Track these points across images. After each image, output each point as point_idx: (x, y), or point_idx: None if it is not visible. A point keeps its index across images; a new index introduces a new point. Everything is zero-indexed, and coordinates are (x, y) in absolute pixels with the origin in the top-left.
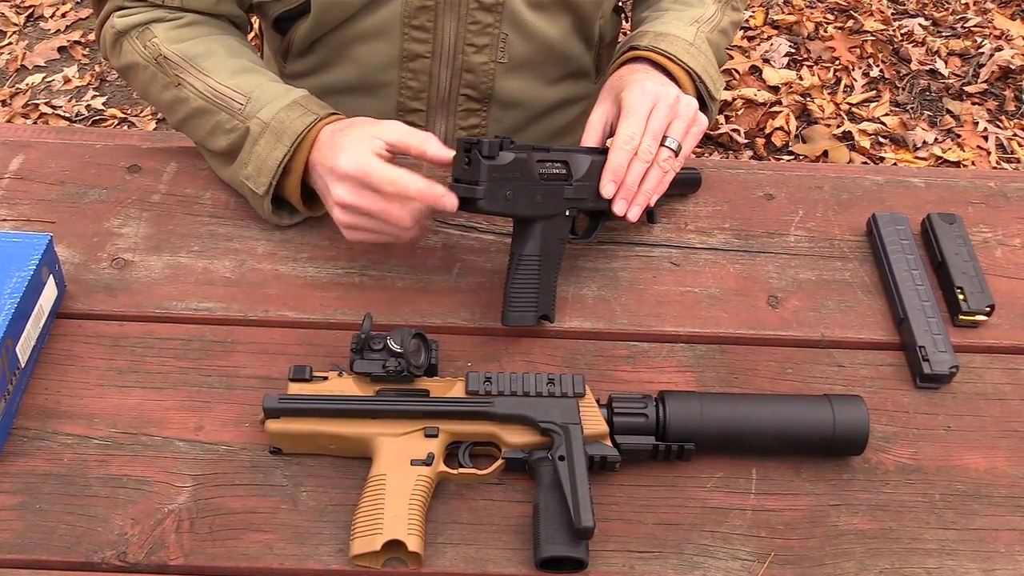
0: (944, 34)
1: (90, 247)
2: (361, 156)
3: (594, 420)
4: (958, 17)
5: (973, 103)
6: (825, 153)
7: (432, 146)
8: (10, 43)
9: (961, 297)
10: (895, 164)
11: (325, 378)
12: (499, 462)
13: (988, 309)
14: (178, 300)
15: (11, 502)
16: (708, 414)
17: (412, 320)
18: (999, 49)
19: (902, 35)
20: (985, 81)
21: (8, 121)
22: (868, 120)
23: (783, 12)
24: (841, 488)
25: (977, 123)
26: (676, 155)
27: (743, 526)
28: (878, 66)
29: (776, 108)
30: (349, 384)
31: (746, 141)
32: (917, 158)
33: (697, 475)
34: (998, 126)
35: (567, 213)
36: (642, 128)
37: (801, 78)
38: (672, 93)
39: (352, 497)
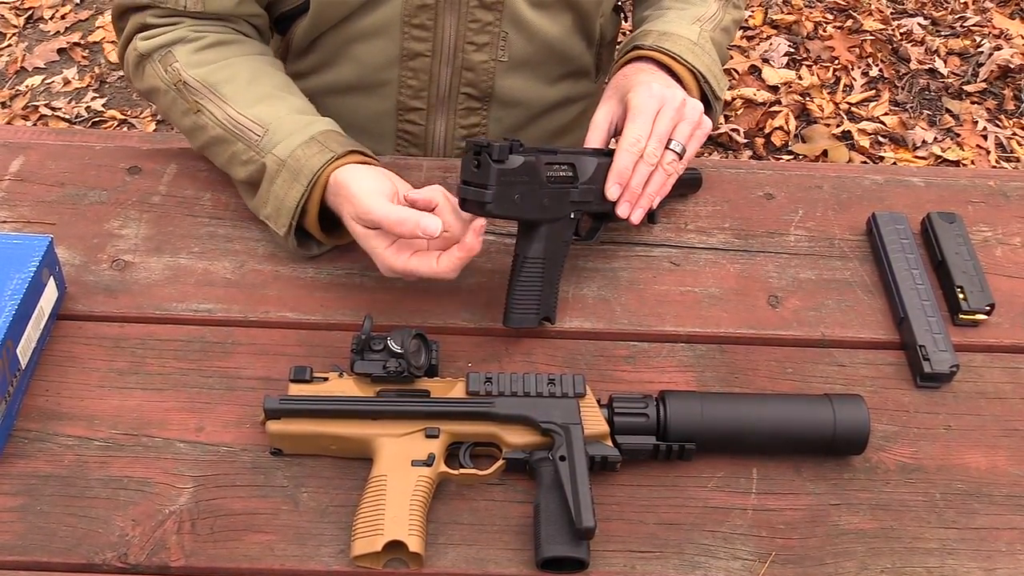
0: (943, 33)
1: (90, 248)
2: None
3: (595, 420)
4: (957, 16)
5: (972, 102)
6: (825, 153)
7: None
8: (10, 45)
9: (961, 296)
10: (895, 163)
11: (326, 379)
12: (500, 462)
13: (988, 308)
14: (178, 301)
15: (12, 504)
16: (709, 414)
17: (412, 321)
18: (998, 48)
19: (901, 34)
20: (984, 80)
21: (8, 123)
22: (867, 119)
23: (782, 12)
24: (842, 487)
25: (976, 122)
26: (680, 158)
27: (744, 526)
28: (877, 65)
29: (775, 108)
30: (350, 385)
31: (745, 141)
32: (917, 157)
33: (698, 475)
34: (997, 125)
35: (572, 215)
36: (648, 131)
37: (800, 78)
38: (678, 96)
39: (353, 498)
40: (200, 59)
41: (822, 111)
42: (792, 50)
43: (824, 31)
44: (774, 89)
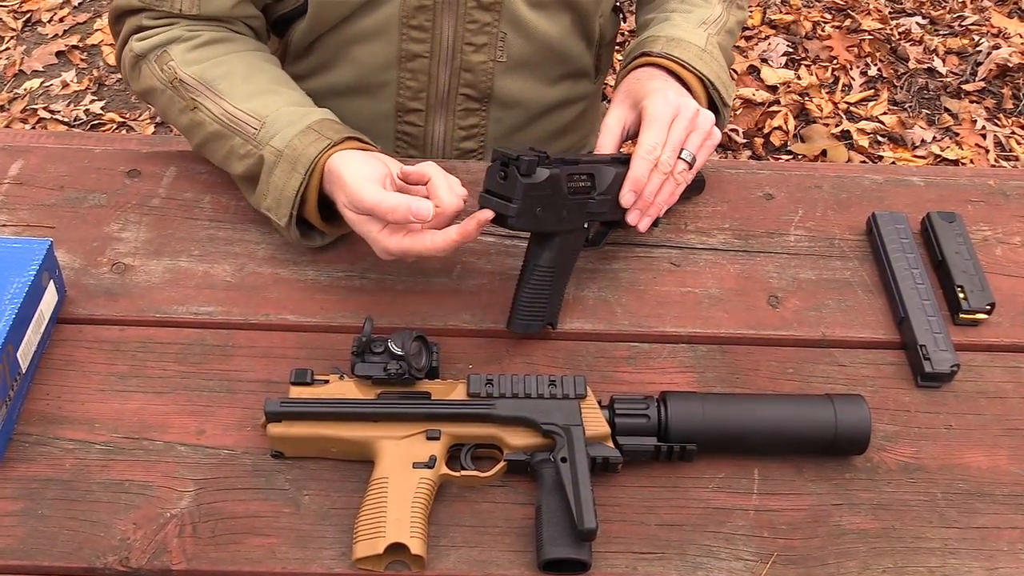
0: (942, 32)
1: (90, 252)
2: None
3: (596, 422)
4: (955, 16)
5: (971, 101)
6: (824, 152)
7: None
8: (8, 48)
9: (961, 295)
10: (894, 163)
11: (326, 381)
12: (501, 464)
13: (988, 307)
14: (179, 304)
15: (13, 508)
16: (710, 415)
17: (413, 323)
18: (996, 47)
19: (900, 34)
20: (983, 79)
21: (7, 126)
22: (866, 119)
23: (781, 11)
24: (843, 488)
25: (975, 121)
26: (690, 168)
27: (746, 526)
28: (876, 65)
29: (774, 108)
30: (350, 387)
31: (744, 141)
32: (916, 156)
33: (699, 476)
34: (996, 124)
35: (585, 225)
36: (664, 138)
37: (799, 77)
38: (692, 106)
39: (354, 501)
40: (195, 56)
41: (821, 111)
42: (791, 50)
43: (822, 31)
44: (773, 89)
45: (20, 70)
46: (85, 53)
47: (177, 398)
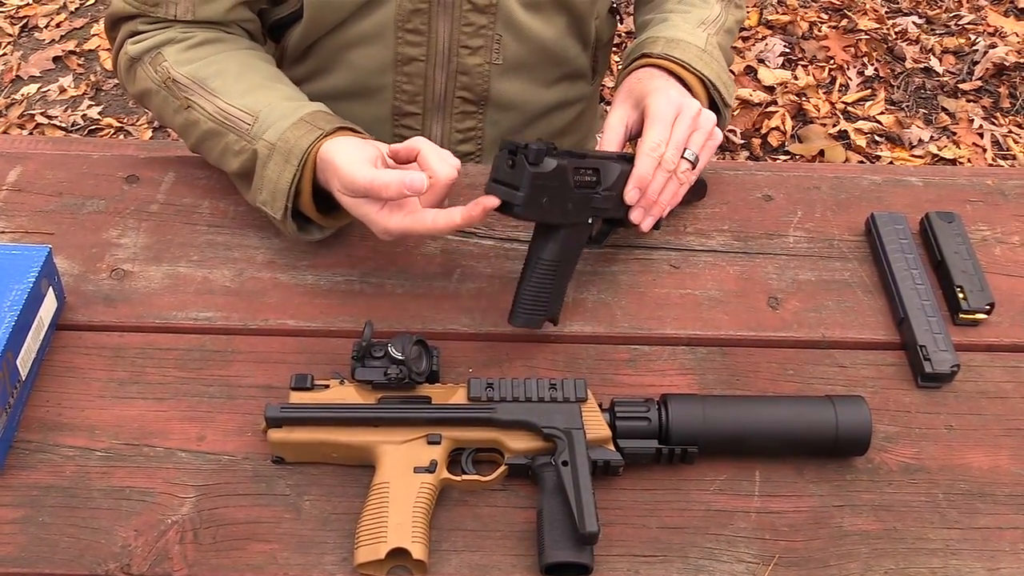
0: (938, 32)
1: (89, 258)
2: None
3: (597, 425)
4: (952, 15)
5: (968, 100)
6: (821, 152)
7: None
8: (4, 53)
9: (961, 296)
10: (891, 162)
11: (327, 386)
12: (502, 468)
13: (988, 307)
14: (178, 310)
15: (14, 515)
16: (710, 417)
17: (413, 327)
18: (993, 46)
19: (896, 33)
20: (980, 78)
21: (4, 132)
22: (864, 119)
23: (777, 12)
24: (844, 489)
25: (972, 120)
26: (693, 167)
27: (747, 528)
28: (873, 65)
29: (772, 108)
30: (351, 392)
31: (742, 142)
32: (913, 156)
33: (700, 478)
34: (993, 123)
35: (590, 221)
36: (667, 136)
37: (796, 78)
38: (694, 105)
39: (356, 506)
40: (189, 56)
41: (818, 111)
42: (787, 50)
43: (819, 31)
44: (770, 90)
45: (17, 75)
46: (82, 58)
47: (177, 404)
